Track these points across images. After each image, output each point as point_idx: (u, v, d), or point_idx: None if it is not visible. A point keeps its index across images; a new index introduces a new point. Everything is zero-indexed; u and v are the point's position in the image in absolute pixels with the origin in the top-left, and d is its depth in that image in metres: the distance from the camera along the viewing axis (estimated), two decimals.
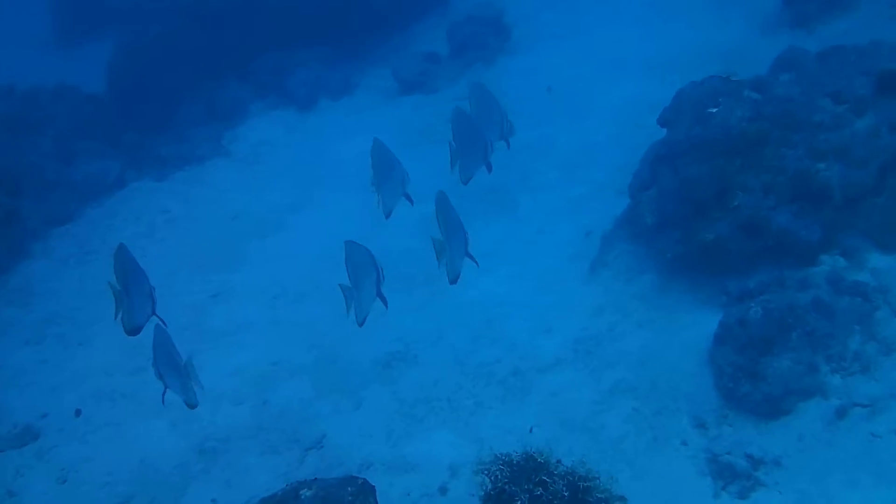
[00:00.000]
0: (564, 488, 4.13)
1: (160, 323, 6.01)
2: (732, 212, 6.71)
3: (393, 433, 7.03)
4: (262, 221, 9.83)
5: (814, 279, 6.42)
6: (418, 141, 10.49)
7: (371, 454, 6.90)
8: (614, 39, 11.01)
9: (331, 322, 8.23)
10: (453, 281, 5.90)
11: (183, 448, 7.39)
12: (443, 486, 6.51)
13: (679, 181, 6.93)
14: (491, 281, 8.23)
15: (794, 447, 5.94)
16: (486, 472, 4.30)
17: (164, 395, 6.23)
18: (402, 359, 7.68)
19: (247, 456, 7.17)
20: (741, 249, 6.71)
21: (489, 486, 4.24)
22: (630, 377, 6.74)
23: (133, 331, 6.07)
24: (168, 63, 12.04)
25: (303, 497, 5.17)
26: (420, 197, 9.57)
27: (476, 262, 6.24)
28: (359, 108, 11.49)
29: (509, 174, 9.19)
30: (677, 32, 10.85)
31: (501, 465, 4.40)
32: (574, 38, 11.36)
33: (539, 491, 4.11)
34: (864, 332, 6.25)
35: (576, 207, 8.85)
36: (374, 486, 5.17)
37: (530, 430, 6.46)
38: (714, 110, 6.93)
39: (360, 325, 5.96)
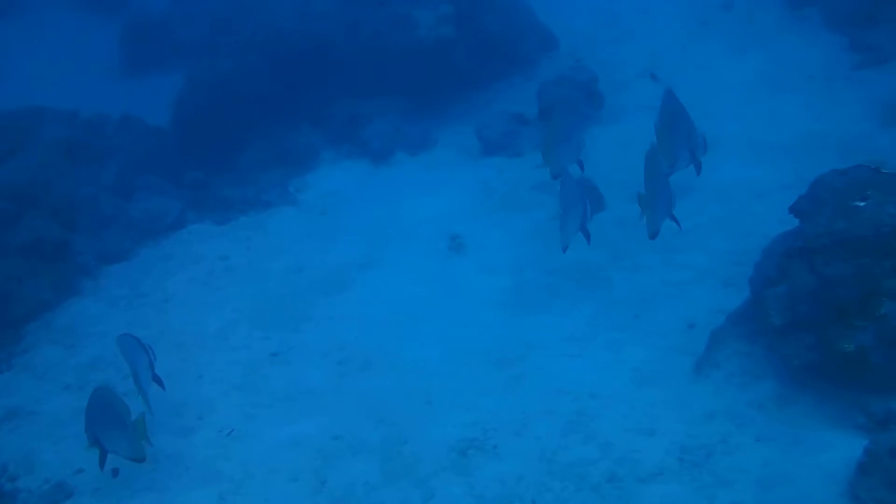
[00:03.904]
0: None
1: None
2: (878, 321, 5.93)
3: None
4: (329, 278, 9.14)
5: None
6: (500, 206, 9.84)
7: None
8: (717, 115, 10.27)
9: (401, 397, 7.53)
10: (652, 236, 6.35)
11: None
12: None
13: (816, 280, 6.18)
14: (581, 367, 7.49)
15: None
16: None
17: (102, 462, 6.38)
18: (481, 447, 6.88)
19: None
20: (886, 365, 5.93)
21: None
22: (749, 501, 5.90)
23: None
24: (239, 101, 11.52)
25: None
26: (500, 269, 8.96)
27: (678, 224, 6.41)
28: (437, 165, 10.83)
29: (601, 250, 8.46)
30: (788, 113, 10.16)
31: None
32: None
33: None
34: None
35: (676, 294, 8.09)
36: None
37: None
38: (862, 204, 6.18)
39: (564, 251, 6.56)
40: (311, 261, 9.47)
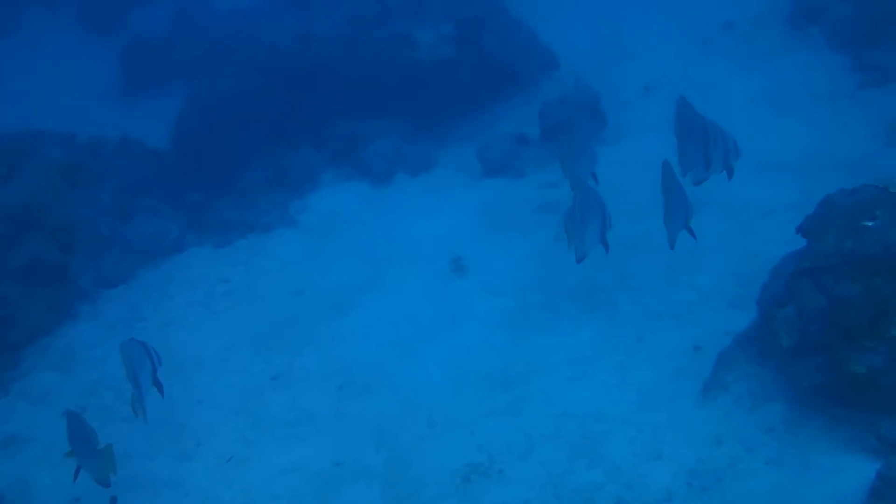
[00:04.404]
0: None
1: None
2: (889, 342, 5.83)
3: None
4: (330, 300, 9.03)
5: None
6: (502, 227, 9.73)
7: None
8: None
9: (403, 421, 7.42)
10: (671, 245, 6.39)
11: None
12: None
13: (826, 300, 6.07)
14: (586, 390, 7.38)
15: None
16: None
17: (76, 475, 6.45)
18: (485, 472, 6.78)
19: None
20: None
21: None
22: None
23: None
24: (238, 122, 11.42)
25: None
26: (503, 290, 8.85)
27: (694, 236, 6.52)
28: (438, 187, 10.72)
29: (605, 272, 8.37)
30: (790, 133, 10.05)
31: None
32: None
33: None
34: None
35: (681, 315, 7.98)
36: None
37: None
38: (870, 223, 6.08)
39: (578, 262, 6.54)
40: (311, 283, 9.36)
